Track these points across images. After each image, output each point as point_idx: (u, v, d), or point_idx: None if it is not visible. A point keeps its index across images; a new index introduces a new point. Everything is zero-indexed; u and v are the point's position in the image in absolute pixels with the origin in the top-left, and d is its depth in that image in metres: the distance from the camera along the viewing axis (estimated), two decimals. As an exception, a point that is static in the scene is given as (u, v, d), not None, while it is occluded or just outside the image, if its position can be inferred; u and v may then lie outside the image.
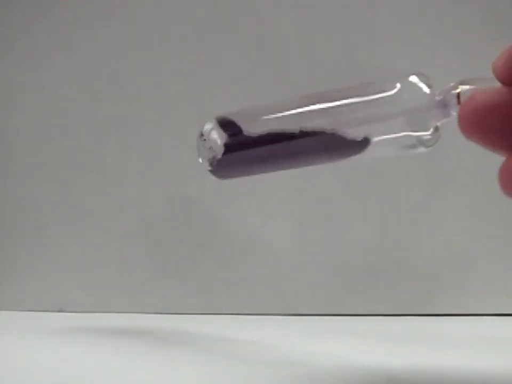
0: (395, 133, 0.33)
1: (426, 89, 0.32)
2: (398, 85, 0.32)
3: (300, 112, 0.34)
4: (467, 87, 0.30)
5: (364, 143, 0.34)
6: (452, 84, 0.31)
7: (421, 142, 0.32)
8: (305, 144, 0.34)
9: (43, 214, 0.58)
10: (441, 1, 0.54)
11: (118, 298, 0.56)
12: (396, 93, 0.32)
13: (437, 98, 0.31)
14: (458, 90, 0.30)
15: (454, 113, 0.30)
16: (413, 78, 0.33)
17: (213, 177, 0.36)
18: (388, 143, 0.33)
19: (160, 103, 0.57)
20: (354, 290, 0.53)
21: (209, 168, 0.36)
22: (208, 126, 0.36)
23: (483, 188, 0.52)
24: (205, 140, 0.36)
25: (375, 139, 0.33)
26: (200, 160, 0.36)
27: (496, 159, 0.27)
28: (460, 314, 0.51)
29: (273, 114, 0.36)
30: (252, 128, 0.35)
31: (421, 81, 0.32)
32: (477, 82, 0.30)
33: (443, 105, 0.31)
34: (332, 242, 0.54)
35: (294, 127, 0.34)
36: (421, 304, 0.53)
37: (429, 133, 0.32)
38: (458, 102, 0.30)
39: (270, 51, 0.56)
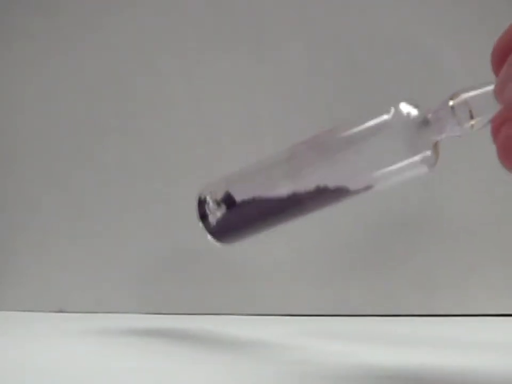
0: (396, 167, 0.33)
1: (415, 112, 0.32)
2: (388, 117, 0.32)
3: (297, 174, 0.35)
4: (461, 98, 0.30)
5: (367, 188, 0.34)
6: (442, 100, 0.31)
7: (422, 163, 0.32)
8: (307, 204, 0.35)
9: (43, 214, 0.58)
10: (441, 1, 0.54)
11: (118, 298, 0.56)
12: (387, 127, 0.32)
13: (429, 116, 0.31)
14: (451, 104, 0.30)
15: (450, 127, 0.31)
16: (399, 106, 0.32)
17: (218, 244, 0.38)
18: (391, 175, 0.33)
19: (160, 103, 0.57)
20: (354, 291, 0.53)
21: (210, 237, 0.37)
22: (204, 196, 0.38)
23: (483, 187, 0.52)
24: (203, 208, 0.37)
25: (378, 185, 0.34)
26: (201, 226, 0.37)
27: (495, 155, 0.27)
28: (460, 315, 0.51)
29: (268, 181, 0.36)
30: (248, 198, 0.36)
31: (408, 104, 0.32)
32: (467, 91, 0.30)
33: (437, 121, 0.31)
34: (332, 242, 0.54)
35: (294, 189, 0.34)
36: (421, 304, 0.52)
37: (428, 153, 0.32)
38: (454, 115, 0.30)
39: (270, 51, 0.56)
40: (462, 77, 0.51)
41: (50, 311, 0.56)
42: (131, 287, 0.56)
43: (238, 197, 0.36)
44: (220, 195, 0.37)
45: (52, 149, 0.58)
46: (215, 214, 0.37)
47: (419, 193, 0.53)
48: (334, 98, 0.55)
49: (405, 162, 0.32)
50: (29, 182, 0.58)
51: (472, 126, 0.30)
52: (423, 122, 0.31)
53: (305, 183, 0.35)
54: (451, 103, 0.30)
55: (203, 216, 0.38)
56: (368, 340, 0.42)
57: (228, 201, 0.36)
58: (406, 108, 0.32)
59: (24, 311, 0.56)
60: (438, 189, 0.53)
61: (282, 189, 0.35)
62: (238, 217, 0.37)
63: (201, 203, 0.38)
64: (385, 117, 0.32)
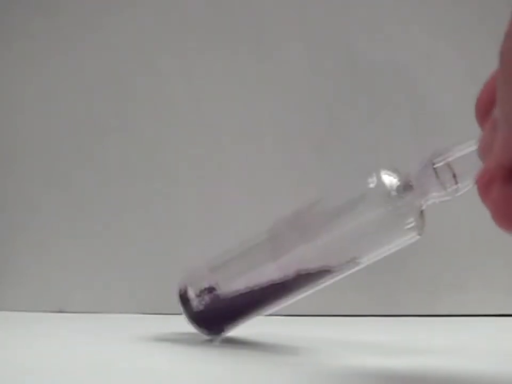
0: (383, 239, 0.32)
1: (396, 180, 0.31)
2: (369, 189, 0.31)
3: (279, 259, 0.34)
4: (443, 162, 0.29)
5: (354, 263, 0.34)
6: (423, 163, 0.30)
7: (410, 230, 0.32)
8: (292, 289, 0.35)
9: (43, 214, 0.58)
10: (441, 1, 0.54)
11: (118, 298, 0.56)
12: (370, 199, 0.31)
13: (412, 183, 0.31)
14: (434, 167, 0.29)
15: (435, 192, 0.30)
16: (380, 175, 0.32)
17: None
18: (379, 247, 0.33)
19: (160, 103, 0.57)
20: (354, 291, 0.53)
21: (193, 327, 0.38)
22: (185, 288, 0.38)
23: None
24: (185, 299, 0.37)
25: (365, 259, 0.33)
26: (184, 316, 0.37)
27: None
28: (460, 315, 0.51)
29: (251, 269, 0.36)
30: (231, 288, 0.36)
31: (388, 171, 0.31)
32: (448, 151, 0.29)
33: (420, 187, 0.30)
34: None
35: (278, 275, 0.34)
36: (421, 304, 0.52)
37: (414, 219, 0.31)
38: (438, 177, 0.29)
39: (270, 51, 0.56)
40: (462, 77, 0.51)
41: (50, 311, 0.56)
42: (131, 287, 0.56)
43: (221, 288, 0.36)
44: (201, 287, 0.37)
45: (52, 149, 0.58)
46: (198, 306, 0.37)
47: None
48: (334, 98, 0.55)
49: (391, 233, 0.32)
50: (29, 182, 0.58)
51: (457, 189, 0.29)
52: (406, 189, 0.31)
53: (288, 267, 0.34)
54: (434, 167, 0.30)
55: (185, 306, 0.37)
56: (367, 340, 0.42)
57: (210, 292, 0.36)
58: (387, 178, 0.32)
59: (24, 311, 0.56)
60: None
61: (265, 276, 0.35)
62: (222, 307, 0.36)
63: (183, 295, 0.37)
64: (366, 188, 0.32)
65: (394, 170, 0.32)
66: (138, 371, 0.31)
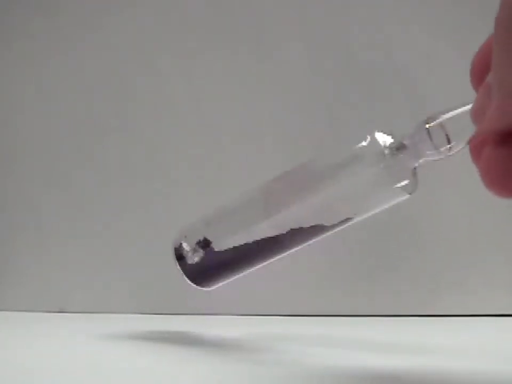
0: (375, 198, 0.32)
1: (390, 139, 0.31)
2: (363, 147, 0.32)
3: (273, 216, 0.34)
4: (436, 122, 0.29)
5: (346, 221, 0.34)
6: (417, 124, 0.30)
7: (402, 190, 0.32)
8: (286, 244, 0.35)
9: (43, 214, 0.58)
10: (441, 1, 0.54)
11: (118, 298, 0.56)
12: (363, 158, 0.32)
13: (405, 142, 0.31)
14: (427, 127, 0.30)
15: (428, 152, 0.30)
16: (374, 135, 0.32)
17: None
18: (370, 206, 0.33)
19: (160, 103, 0.57)
20: (353, 291, 0.53)
21: (188, 281, 0.38)
22: (179, 242, 0.38)
23: (483, 187, 0.52)
24: (180, 253, 0.38)
25: (357, 217, 0.33)
26: (178, 269, 0.38)
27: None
28: (460, 315, 0.51)
29: (244, 223, 0.36)
30: (225, 241, 0.36)
31: (383, 133, 0.32)
32: (442, 114, 0.29)
33: (413, 146, 0.30)
34: (331, 242, 0.53)
35: (271, 230, 0.34)
36: (421, 304, 0.52)
37: (407, 180, 0.31)
38: (431, 137, 0.30)
39: (270, 51, 0.56)
40: (462, 77, 0.51)
41: (50, 311, 0.56)
42: (131, 287, 0.56)
43: (215, 241, 0.36)
44: (195, 240, 0.37)
45: (52, 149, 0.58)
46: (192, 259, 0.37)
47: (420, 194, 0.53)
48: (334, 98, 0.55)
49: (384, 192, 0.32)
50: (29, 182, 0.58)
51: (450, 149, 0.30)
52: (400, 149, 0.31)
53: (282, 224, 0.34)
54: (426, 126, 0.30)
55: (180, 260, 0.38)
56: (366, 340, 0.42)
57: (205, 245, 0.37)
58: (381, 137, 0.32)
59: (24, 311, 0.56)
60: (438, 189, 0.53)
61: (259, 231, 0.35)
62: (216, 261, 0.37)
63: (177, 249, 0.38)
64: (360, 147, 0.32)
65: (388, 131, 0.32)
66: (138, 371, 0.31)
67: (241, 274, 0.38)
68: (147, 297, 0.56)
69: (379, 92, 0.54)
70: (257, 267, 0.37)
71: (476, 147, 0.24)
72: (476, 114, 0.24)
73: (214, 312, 0.54)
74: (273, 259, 0.36)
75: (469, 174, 0.52)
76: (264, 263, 0.37)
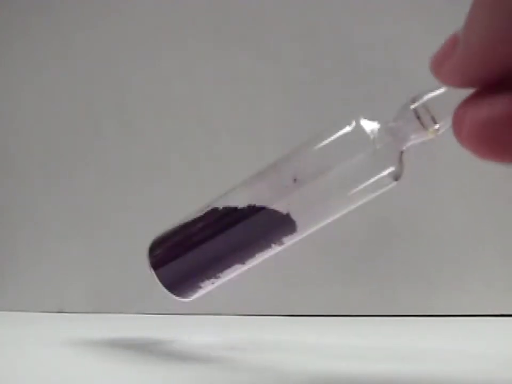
0: (361, 187, 0.31)
1: (375, 124, 0.30)
2: (348, 133, 0.31)
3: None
4: (420, 102, 0.29)
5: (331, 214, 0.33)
6: (401, 108, 0.29)
7: (389, 177, 0.31)
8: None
9: (43, 214, 0.58)
10: (441, 1, 0.54)
11: (118, 299, 0.56)
12: (348, 144, 0.31)
13: (391, 125, 0.30)
14: (413, 107, 0.29)
15: (414, 134, 0.29)
16: (359, 121, 0.31)
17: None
18: (355, 196, 0.31)
19: (160, 103, 0.57)
20: (352, 291, 0.53)
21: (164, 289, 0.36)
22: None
23: (484, 187, 0.52)
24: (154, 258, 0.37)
25: (343, 209, 0.32)
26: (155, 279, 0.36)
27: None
28: (460, 315, 0.51)
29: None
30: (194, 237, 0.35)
31: (368, 119, 0.31)
32: (425, 94, 0.29)
33: (399, 130, 0.30)
34: (329, 242, 0.54)
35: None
36: (419, 305, 0.53)
37: (394, 166, 0.30)
38: (417, 117, 0.29)
39: (270, 51, 0.56)
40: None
41: (50, 311, 0.56)
42: (131, 287, 0.56)
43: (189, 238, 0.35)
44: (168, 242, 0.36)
45: (51, 149, 0.58)
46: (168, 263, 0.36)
47: (419, 194, 0.53)
48: (334, 98, 0.55)
49: (371, 180, 0.30)
50: (29, 182, 0.58)
51: (437, 130, 0.29)
52: (386, 133, 0.30)
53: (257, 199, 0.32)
54: (412, 107, 0.29)
55: (155, 267, 0.36)
56: (365, 340, 0.42)
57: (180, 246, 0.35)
58: (365, 122, 0.31)
59: (24, 311, 0.56)
60: (437, 189, 0.53)
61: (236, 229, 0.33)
62: (187, 260, 0.35)
63: (153, 255, 0.36)
64: (344, 133, 0.31)
65: (373, 117, 0.31)
66: (137, 371, 0.31)
67: (217, 277, 0.35)
68: (147, 297, 0.56)
69: (379, 91, 0.54)
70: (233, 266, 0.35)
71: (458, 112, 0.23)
72: (436, 61, 0.24)
73: (216, 312, 0.54)
74: (246, 258, 0.34)
75: (467, 175, 0.53)
76: (240, 262, 0.34)
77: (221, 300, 0.54)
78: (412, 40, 0.54)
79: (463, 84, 0.22)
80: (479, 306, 0.51)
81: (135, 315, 0.55)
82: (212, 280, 0.35)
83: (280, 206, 0.32)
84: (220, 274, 0.35)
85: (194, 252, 0.35)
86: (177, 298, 0.36)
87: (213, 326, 0.49)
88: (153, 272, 0.36)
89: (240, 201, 0.33)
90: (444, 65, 0.23)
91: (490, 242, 0.52)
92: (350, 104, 0.55)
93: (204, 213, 0.35)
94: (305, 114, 0.55)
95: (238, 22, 0.56)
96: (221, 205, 0.34)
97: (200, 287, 0.35)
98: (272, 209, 0.32)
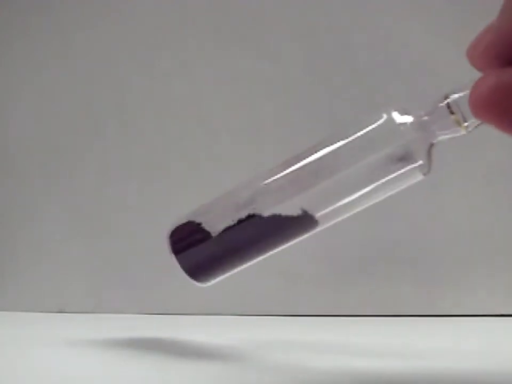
0: (389, 179, 0.31)
1: (407, 118, 0.30)
2: (379, 126, 0.31)
3: (280, 199, 0.33)
4: (454, 95, 0.29)
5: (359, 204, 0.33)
6: (433, 103, 0.30)
7: (418, 170, 0.31)
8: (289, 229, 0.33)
9: (43, 214, 0.58)
10: (442, 1, 0.54)
11: (118, 299, 0.56)
12: (380, 136, 0.31)
13: (422, 120, 0.30)
14: (446, 102, 0.29)
15: (445, 129, 0.30)
16: (391, 114, 0.31)
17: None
18: (384, 187, 0.32)
19: (160, 103, 0.57)
20: (354, 291, 0.53)
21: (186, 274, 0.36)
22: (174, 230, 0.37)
23: (486, 187, 0.52)
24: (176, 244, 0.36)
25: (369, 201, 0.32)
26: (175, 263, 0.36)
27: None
28: (460, 315, 0.51)
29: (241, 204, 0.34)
30: (216, 223, 0.34)
31: (400, 112, 0.31)
32: (459, 89, 0.29)
33: (430, 124, 0.30)
34: (330, 241, 0.54)
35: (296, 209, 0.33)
36: (421, 305, 0.52)
37: (423, 159, 0.30)
38: (451, 112, 0.29)
39: (270, 51, 0.56)
40: (462, 77, 0.51)
41: (50, 311, 0.56)
42: (131, 287, 0.56)
43: (211, 227, 0.35)
44: (190, 228, 0.36)
45: (51, 149, 0.58)
46: (190, 249, 0.36)
47: (421, 194, 0.53)
48: (334, 98, 0.55)
49: (400, 172, 0.31)
50: (29, 182, 0.58)
51: (467, 126, 0.29)
52: (418, 127, 0.30)
53: (290, 206, 0.33)
54: (443, 104, 0.29)
55: (176, 252, 0.36)
56: (366, 340, 0.42)
57: (202, 233, 0.35)
58: (397, 116, 0.31)
59: (24, 311, 0.56)
60: (439, 189, 0.53)
61: (265, 212, 0.33)
62: (214, 248, 0.35)
63: (174, 237, 0.36)
64: (376, 125, 0.31)
65: (404, 109, 0.31)
66: (137, 371, 0.31)
67: (239, 265, 0.35)
68: (147, 297, 0.56)
69: (379, 91, 0.54)
70: (256, 256, 0.35)
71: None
72: (470, 46, 0.27)
73: (214, 312, 0.54)
74: (274, 247, 0.34)
75: (470, 175, 0.53)
76: (265, 252, 0.35)
77: (221, 300, 0.54)
78: (412, 40, 0.54)
79: (491, 65, 0.25)
80: (480, 306, 0.51)
81: (135, 315, 0.55)
82: (233, 269, 0.36)
83: (306, 204, 0.32)
84: (241, 265, 0.35)
85: (219, 246, 0.35)
86: (196, 283, 0.36)
87: (212, 326, 0.49)
88: (173, 257, 0.36)
89: (268, 206, 0.33)
90: (476, 49, 0.26)
91: (491, 242, 0.52)
92: (350, 104, 0.55)
93: (235, 221, 0.34)
94: (305, 114, 0.55)
95: (238, 22, 0.56)
96: (249, 210, 0.34)
97: (220, 275, 0.36)
98: (300, 215, 0.32)
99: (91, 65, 0.58)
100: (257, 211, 0.33)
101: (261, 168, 0.56)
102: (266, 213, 0.33)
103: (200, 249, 0.35)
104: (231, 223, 0.34)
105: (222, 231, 0.34)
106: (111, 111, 0.58)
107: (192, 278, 0.36)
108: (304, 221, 0.33)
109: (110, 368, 0.32)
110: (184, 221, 0.37)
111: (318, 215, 0.33)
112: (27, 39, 0.59)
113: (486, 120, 0.24)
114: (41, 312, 0.56)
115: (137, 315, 0.55)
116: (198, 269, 0.36)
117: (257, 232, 0.34)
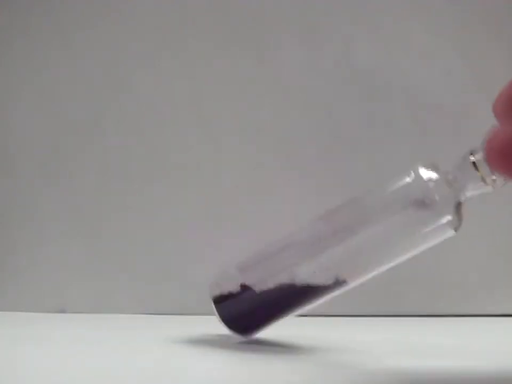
0: (420, 236, 0.32)
1: (435, 175, 0.31)
2: (408, 184, 0.31)
3: (317, 257, 0.34)
4: (479, 155, 0.29)
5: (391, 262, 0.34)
6: (460, 159, 0.30)
7: (448, 226, 0.31)
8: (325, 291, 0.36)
9: (43, 214, 0.58)
10: (441, 1, 0.54)
11: (119, 299, 0.56)
12: (409, 194, 0.31)
13: (450, 177, 0.31)
14: (472, 160, 0.29)
15: (473, 186, 0.30)
16: (418, 171, 0.31)
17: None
18: (415, 245, 0.33)
19: (160, 103, 0.57)
20: (354, 291, 0.53)
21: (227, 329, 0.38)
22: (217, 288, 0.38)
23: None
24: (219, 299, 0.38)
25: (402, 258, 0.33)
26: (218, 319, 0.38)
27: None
28: (460, 315, 0.51)
29: (285, 268, 0.35)
30: (263, 285, 0.36)
31: (427, 168, 0.31)
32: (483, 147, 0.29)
33: (458, 181, 0.30)
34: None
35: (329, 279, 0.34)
36: (421, 305, 0.52)
37: (452, 215, 0.31)
38: (476, 169, 0.29)
39: (270, 51, 0.56)
40: (462, 78, 0.51)
41: (51, 312, 0.56)
42: (131, 287, 0.56)
43: (254, 286, 0.36)
44: (233, 287, 0.37)
45: (51, 149, 0.58)
46: (233, 305, 0.37)
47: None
48: (334, 99, 0.55)
49: (430, 228, 0.31)
50: (28, 181, 0.58)
51: (494, 181, 0.29)
52: (446, 184, 0.31)
53: (327, 268, 0.34)
54: (472, 159, 0.29)
55: (218, 307, 0.38)
56: (367, 340, 0.42)
57: (244, 291, 0.36)
58: (424, 171, 0.31)
59: (24, 311, 0.56)
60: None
61: (300, 276, 0.35)
62: (255, 304, 0.37)
63: (216, 295, 0.38)
64: (404, 183, 0.31)
65: (432, 165, 0.32)
66: (137, 371, 0.31)
67: (278, 319, 0.37)
68: (148, 297, 0.56)
69: (379, 93, 0.54)
70: (295, 312, 0.37)
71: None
72: (496, 101, 0.25)
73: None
74: (312, 304, 0.37)
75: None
76: (303, 308, 0.37)
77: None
78: (412, 40, 0.54)
79: (508, 116, 0.24)
80: (480, 306, 0.51)
81: (135, 315, 0.55)
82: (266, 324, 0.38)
83: (340, 274, 0.34)
84: (276, 322, 0.38)
85: (258, 307, 0.37)
86: (239, 336, 0.39)
87: (213, 326, 0.49)
88: (214, 306, 0.38)
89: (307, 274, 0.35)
90: (499, 101, 0.25)
91: (492, 242, 0.52)
92: (350, 104, 0.55)
93: (274, 285, 0.36)
94: (305, 114, 0.55)
95: (238, 22, 0.56)
96: (291, 278, 0.35)
97: (262, 327, 0.38)
98: (333, 282, 0.34)
99: (91, 65, 0.58)
100: (291, 280, 0.35)
101: (261, 168, 0.56)
102: (300, 282, 0.35)
103: (241, 304, 0.37)
104: (271, 286, 0.35)
105: (262, 292, 0.36)
106: (111, 111, 0.58)
107: (235, 332, 0.38)
108: (336, 287, 0.35)
109: (110, 368, 0.32)
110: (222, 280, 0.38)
111: (349, 280, 0.34)
112: (27, 39, 0.59)
113: (501, 172, 0.25)
114: (41, 312, 0.56)
115: (138, 315, 0.55)
116: (240, 323, 0.38)
117: (291, 299, 0.36)
